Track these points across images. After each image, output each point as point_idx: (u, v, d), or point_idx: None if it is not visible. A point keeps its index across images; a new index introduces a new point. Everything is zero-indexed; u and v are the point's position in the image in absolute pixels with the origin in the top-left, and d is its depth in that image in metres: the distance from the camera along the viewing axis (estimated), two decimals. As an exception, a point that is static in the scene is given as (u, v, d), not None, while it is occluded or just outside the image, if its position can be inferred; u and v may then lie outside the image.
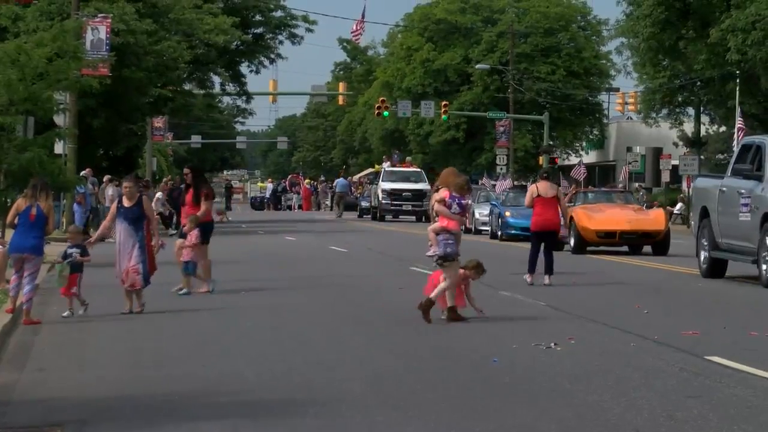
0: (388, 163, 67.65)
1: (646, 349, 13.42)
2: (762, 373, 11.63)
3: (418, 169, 65.93)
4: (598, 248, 32.23)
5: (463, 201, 16.50)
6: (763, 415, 9.69)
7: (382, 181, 62.79)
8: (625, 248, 32.53)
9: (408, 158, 72.16)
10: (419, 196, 61.06)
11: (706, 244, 23.39)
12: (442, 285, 15.93)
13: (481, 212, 45.11)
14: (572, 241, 31.71)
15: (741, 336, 14.58)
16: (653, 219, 32.59)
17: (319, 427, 9.33)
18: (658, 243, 31.82)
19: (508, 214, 39.83)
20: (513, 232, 38.95)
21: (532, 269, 22.07)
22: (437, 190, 16.89)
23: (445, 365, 12.30)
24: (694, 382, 11.22)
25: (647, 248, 32.20)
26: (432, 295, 15.87)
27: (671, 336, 14.40)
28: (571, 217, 31.54)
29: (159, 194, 45.06)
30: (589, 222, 31.84)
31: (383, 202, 62.18)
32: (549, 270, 21.87)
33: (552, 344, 13.55)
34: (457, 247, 16.18)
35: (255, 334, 14.94)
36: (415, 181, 62.89)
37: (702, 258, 23.66)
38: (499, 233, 40.28)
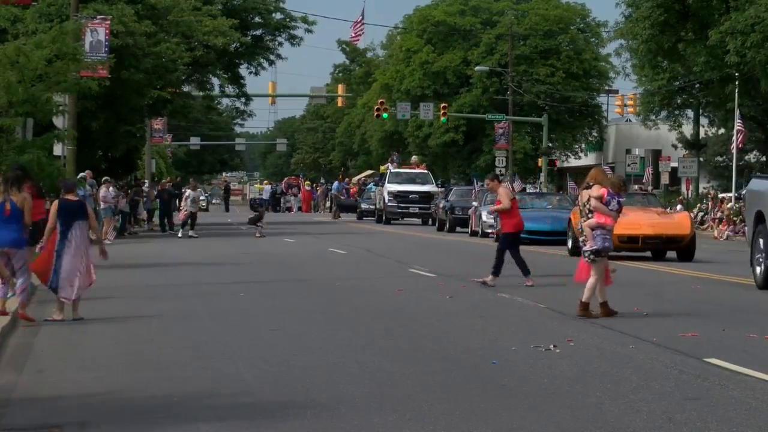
0: (395, 164, 66.70)
1: (645, 351, 13.42)
2: (761, 375, 11.63)
3: (425, 171, 64.24)
4: (619, 253, 30.23)
5: (621, 199, 17.32)
6: (762, 418, 9.70)
7: (388, 182, 61.17)
8: (645, 254, 31.05)
9: (414, 157, 70.64)
10: (426, 198, 59.97)
11: (762, 252, 21.38)
12: (591, 281, 16.79)
13: (488, 214, 44.72)
14: None
15: (740, 338, 14.58)
16: (678, 223, 30.81)
17: (317, 429, 9.34)
18: (683, 248, 30.27)
19: None
20: None
21: (528, 271, 22.15)
22: (588, 187, 17.46)
23: (444, 367, 12.30)
24: (693, 384, 11.23)
25: (671, 253, 30.83)
26: (583, 298, 16.75)
27: (670, 338, 14.41)
28: None
29: (189, 192, 46.07)
30: None
31: (389, 204, 60.73)
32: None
33: (551, 346, 13.56)
34: (611, 241, 17.02)
35: (254, 336, 14.94)
36: (422, 183, 61.75)
37: (757, 268, 21.66)
38: None
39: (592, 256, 16.94)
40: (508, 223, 22.82)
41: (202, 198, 74.94)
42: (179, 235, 44.48)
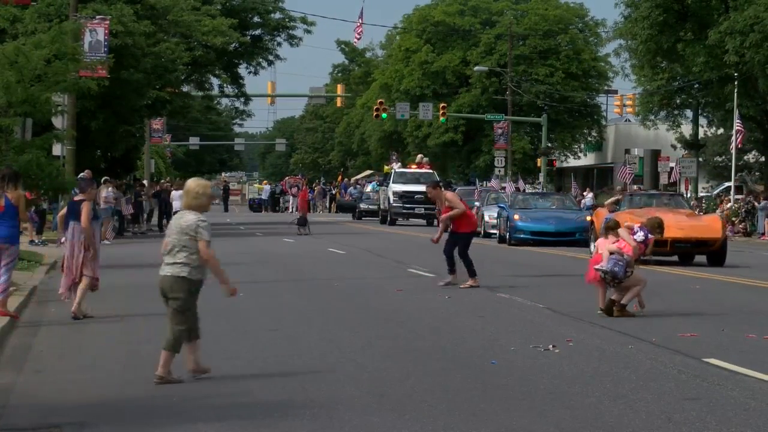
0: (399, 164, 65.93)
1: (645, 351, 13.43)
2: (760, 375, 11.64)
3: (431, 171, 62.68)
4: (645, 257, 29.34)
5: (650, 235, 17.71)
6: (761, 418, 9.70)
7: (393, 183, 60.23)
8: (670, 258, 29.18)
9: (419, 156, 69.54)
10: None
11: None
12: (635, 291, 17.03)
13: (491, 215, 43.71)
14: None
15: (739, 338, 14.59)
16: (708, 225, 29.07)
17: (316, 429, 9.33)
18: (714, 252, 28.56)
19: (517, 217, 38.25)
20: (522, 236, 37.63)
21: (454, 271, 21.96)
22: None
23: (443, 367, 12.30)
24: (692, 385, 11.23)
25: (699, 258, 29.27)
26: (624, 300, 16.97)
27: (669, 338, 14.41)
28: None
29: (174, 193, 46.41)
30: None
31: (394, 204, 59.64)
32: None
33: (550, 346, 13.56)
34: (623, 270, 17.01)
35: (253, 336, 14.94)
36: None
37: None
38: (507, 237, 38.45)
39: (608, 279, 17.08)
40: (467, 223, 22.65)
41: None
42: None
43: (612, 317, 16.74)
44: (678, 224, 28.22)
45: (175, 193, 46.17)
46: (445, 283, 21.67)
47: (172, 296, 11.54)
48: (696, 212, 31.68)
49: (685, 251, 28.97)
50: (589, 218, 34.70)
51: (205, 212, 11.64)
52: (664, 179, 64.15)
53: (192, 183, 11.79)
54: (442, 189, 23.38)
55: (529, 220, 38.21)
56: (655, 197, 33.54)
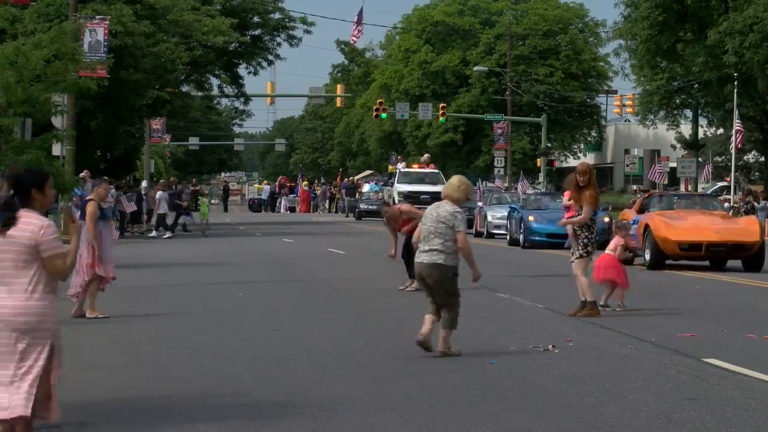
0: (403, 163, 65.61)
1: (644, 351, 13.43)
2: (759, 375, 11.64)
3: (436, 170, 62.23)
4: (677, 262, 27.34)
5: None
6: (761, 418, 9.70)
7: (398, 183, 59.72)
8: (700, 262, 27.70)
9: (425, 156, 68.81)
10: (438, 198, 58.40)
11: None
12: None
13: (494, 215, 42.64)
14: (648, 255, 26.72)
15: (738, 338, 14.59)
16: (745, 228, 27.12)
17: (316, 429, 9.34)
18: (751, 257, 26.64)
19: (531, 218, 36.25)
20: (537, 238, 35.60)
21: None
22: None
23: (442, 367, 12.30)
24: (692, 385, 11.23)
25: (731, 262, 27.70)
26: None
27: (669, 338, 14.41)
28: (647, 226, 27.00)
29: (159, 193, 46.12)
30: (669, 232, 26.56)
31: None
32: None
33: (550, 346, 13.57)
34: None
35: (252, 336, 14.94)
36: (433, 183, 60.44)
37: None
38: (521, 239, 36.55)
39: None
40: None
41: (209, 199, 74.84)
42: (152, 234, 44.66)
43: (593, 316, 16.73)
44: (713, 227, 26.81)
45: (160, 194, 45.96)
46: (414, 289, 21.34)
47: (432, 282, 12.66)
48: (730, 214, 30.20)
49: (721, 256, 27.27)
50: (606, 219, 33.81)
51: (459, 205, 13.00)
52: (664, 179, 64.13)
53: (455, 178, 13.39)
54: (390, 205, 23.59)
55: (545, 221, 35.75)
56: (684, 198, 31.96)
